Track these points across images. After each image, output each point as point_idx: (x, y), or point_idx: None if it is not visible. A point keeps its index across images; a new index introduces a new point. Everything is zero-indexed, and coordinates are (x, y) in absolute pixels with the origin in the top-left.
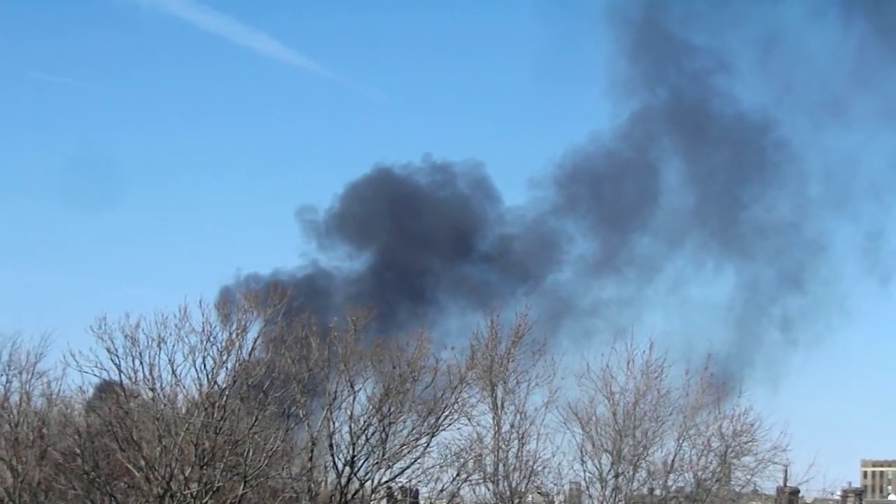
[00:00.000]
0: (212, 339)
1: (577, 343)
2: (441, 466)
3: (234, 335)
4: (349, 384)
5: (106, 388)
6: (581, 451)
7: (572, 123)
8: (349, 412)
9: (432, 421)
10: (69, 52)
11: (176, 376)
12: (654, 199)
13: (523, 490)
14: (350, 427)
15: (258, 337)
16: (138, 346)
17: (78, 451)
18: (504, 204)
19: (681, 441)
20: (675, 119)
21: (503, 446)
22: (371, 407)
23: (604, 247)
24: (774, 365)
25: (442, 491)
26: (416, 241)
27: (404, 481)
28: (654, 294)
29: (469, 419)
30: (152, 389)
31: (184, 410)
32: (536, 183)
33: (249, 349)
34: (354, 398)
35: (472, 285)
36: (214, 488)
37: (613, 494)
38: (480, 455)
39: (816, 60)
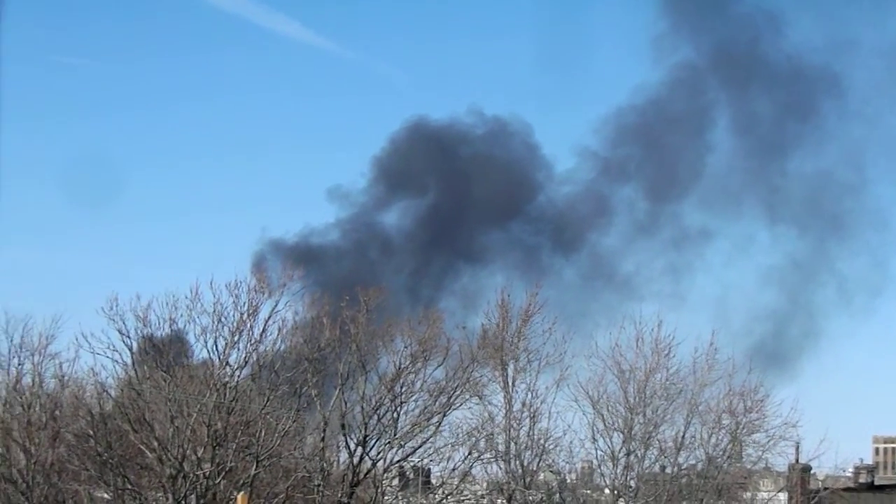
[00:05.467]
0: (223, 319)
1: (619, 310)
2: (453, 445)
3: (245, 316)
4: (360, 365)
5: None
6: (592, 430)
7: (610, 94)
8: (361, 392)
9: (444, 400)
10: (88, 33)
11: (187, 357)
12: (702, 156)
13: (535, 468)
14: (362, 407)
15: (269, 318)
16: (150, 328)
17: (91, 432)
18: (553, 168)
19: (691, 419)
20: (722, 70)
21: (515, 425)
22: (383, 387)
23: (652, 209)
24: (820, 333)
25: (454, 470)
26: (462, 199)
27: (416, 460)
28: (700, 258)
29: (480, 398)
30: (164, 371)
31: (195, 391)
32: (580, 150)
33: (260, 330)
34: (366, 378)
35: (516, 247)
36: (227, 468)
37: (625, 472)
38: (492, 434)
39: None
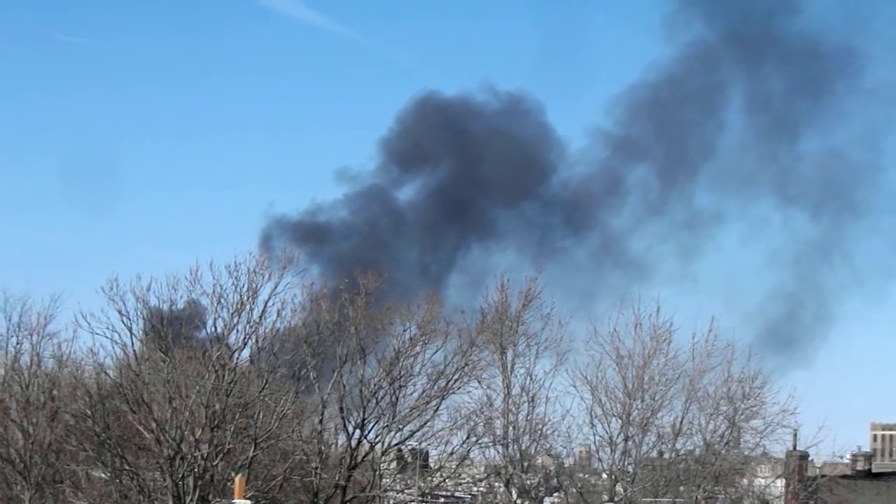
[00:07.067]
0: (223, 301)
1: (627, 291)
2: (451, 429)
3: (244, 298)
4: (359, 348)
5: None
6: (591, 415)
7: (622, 73)
8: (360, 375)
9: (442, 384)
10: (91, 13)
11: (186, 338)
12: (714, 135)
13: (533, 453)
14: (360, 390)
15: (269, 299)
16: (149, 308)
17: (89, 412)
18: (565, 148)
19: (689, 404)
20: (735, 48)
21: (513, 409)
22: (381, 370)
23: (663, 189)
24: (832, 318)
25: (452, 453)
26: (473, 177)
27: (414, 444)
28: (712, 240)
29: (479, 382)
30: (163, 351)
31: (194, 373)
32: (591, 130)
33: (260, 312)
34: (365, 361)
35: (527, 226)
36: (225, 450)
37: (623, 458)
38: (490, 418)
39: None
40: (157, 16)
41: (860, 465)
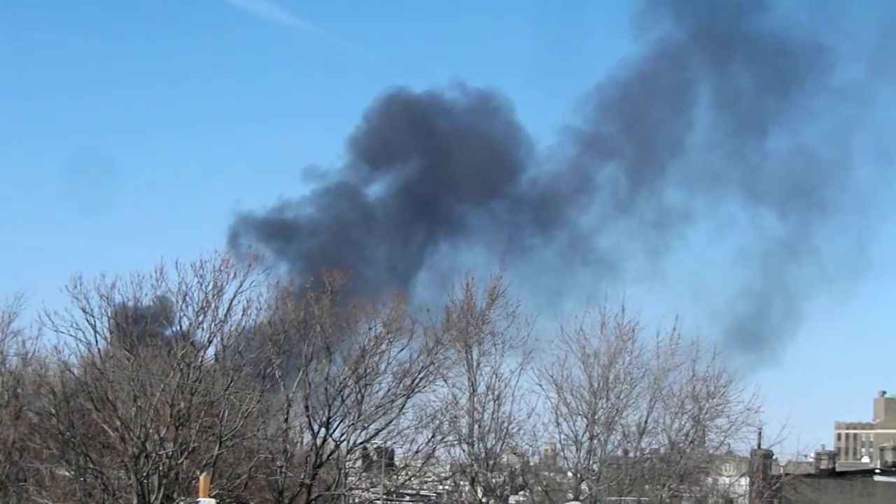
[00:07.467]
0: (188, 299)
1: (595, 289)
2: (416, 428)
3: (209, 296)
4: (325, 346)
5: None
6: (556, 413)
7: (585, 73)
8: (325, 374)
9: (408, 382)
10: (59, 10)
11: (151, 336)
12: (682, 134)
13: (498, 451)
14: (326, 388)
15: (234, 298)
16: (114, 306)
17: (53, 411)
18: (532, 145)
19: (654, 403)
20: (703, 46)
21: (479, 408)
22: (347, 368)
23: (632, 188)
24: (800, 317)
25: (417, 452)
26: (442, 173)
27: (380, 442)
28: (681, 238)
29: (445, 381)
30: (128, 349)
31: (159, 371)
32: (559, 129)
33: (225, 310)
34: (330, 359)
35: (496, 224)
36: (190, 449)
37: (588, 456)
38: (456, 416)
39: None
40: (120, 16)
41: (824, 464)
